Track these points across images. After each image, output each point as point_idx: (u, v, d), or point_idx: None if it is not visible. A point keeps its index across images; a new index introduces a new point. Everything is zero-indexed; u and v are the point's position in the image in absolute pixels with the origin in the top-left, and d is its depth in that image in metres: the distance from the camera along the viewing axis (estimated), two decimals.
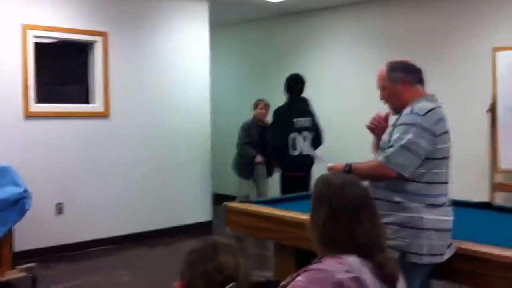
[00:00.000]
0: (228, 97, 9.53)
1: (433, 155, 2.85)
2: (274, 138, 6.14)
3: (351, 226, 2.00)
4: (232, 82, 9.67)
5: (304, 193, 4.99)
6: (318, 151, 5.73)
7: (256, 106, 7.24)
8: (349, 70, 8.04)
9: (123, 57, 6.83)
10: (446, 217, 2.89)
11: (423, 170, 2.86)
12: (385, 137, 3.06)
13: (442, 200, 2.91)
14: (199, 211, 7.66)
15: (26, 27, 6.02)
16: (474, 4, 6.71)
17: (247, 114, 8.38)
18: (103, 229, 6.70)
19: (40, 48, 6.25)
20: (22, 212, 5.12)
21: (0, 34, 5.92)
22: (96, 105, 6.63)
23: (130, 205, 6.93)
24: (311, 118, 5.98)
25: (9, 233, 5.18)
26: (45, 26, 6.17)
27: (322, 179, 2.17)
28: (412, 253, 2.82)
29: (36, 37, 6.14)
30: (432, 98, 3.00)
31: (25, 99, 6.04)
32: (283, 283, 2.04)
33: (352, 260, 1.95)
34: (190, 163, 7.54)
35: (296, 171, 5.89)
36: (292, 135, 5.86)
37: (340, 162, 3.23)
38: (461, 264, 2.94)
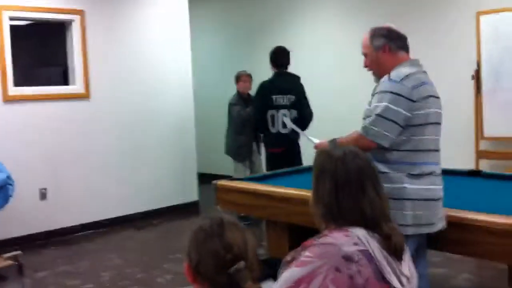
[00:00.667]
0: (209, 71, 9.40)
1: (412, 121, 2.79)
2: (254, 113, 6.06)
3: (356, 198, 1.96)
4: (213, 55, 9.54)
5: (294, 168, 4.95)
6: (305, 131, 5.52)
7: (238, 79, 6.88)
8: (328, 44, 7.94)
9: (101, 35, 6.67)
10: (431, 186, 2.83)
11: (403, 138, 2.81)
12: (366, 107, 3.00)
13: (427, 168, 2.84)
14: (185, 191, 7.58)
15: (1, 8, 5.83)
16: None
17: (229, 88, 8.28)
18: (88, 213, 6.60)
19: (16, 30, 6.07)
20: (5, 198, 5.01)
21: None
22: (76, 87, 6.49)
23: (114, 188, 6.83)
24: (295, 96, 5.81)
25: None
26: (21, 6, 5.99)
27: (323, 153, 2.11)
28: (398, 224, 2.78)
29: (12, 18, 5.96)
30: (414, 63, 2.94)
31: (3, 83, 5.89)
32: (287, 258, 1.98)
33: (359, 232, 1.90)
34: (175, 142, 7.44)
35: (276, 147, 5.82)
36: (270, 112, 5.77)
37: (325, 139, 3.20)
38: (452, 233, 2.91)
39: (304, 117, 5.86)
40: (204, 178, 8.41)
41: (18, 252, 5.30)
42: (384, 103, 2.77)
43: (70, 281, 4.96)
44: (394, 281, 1.88)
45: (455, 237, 2.94)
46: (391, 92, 2.77)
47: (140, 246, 6.00)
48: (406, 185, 2.77)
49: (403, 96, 2.76)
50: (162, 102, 7.27)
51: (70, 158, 6.45)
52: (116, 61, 6.82)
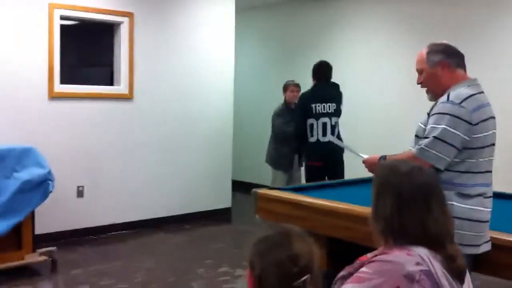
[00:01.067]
0: (251, 82, 9.41)
1: (469, 144, 2.74)
2: (295, 125, 6.04)
3: (421, 216, 1.87)
4: (254, 67, 9.53)
5: (336, 180, 4.89)
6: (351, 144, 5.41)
7: (286, 88, 6.73)
8: (379, 57, 7.87)
9: (148, 38, 6.72)
10: (480, 207, 2.76)
11: (457, 160, 2.76)
12: (420, 125, 2.94)
13: (478, 190, 2.77)
14: (218, 198, 7.57)
15: (53, 6, 5.91)
16: None
17: (269, 98, 8.26)
18: (122, 214, 6.63)
19: (65, 29, 6.15)
20: (45, 194, 5.06)
21: (26, 12, 5.81)
22: (120, 87, 6.54)
23: (150, 190, 6.85)
24: (336, 104, 5.79)
25: (31, 215, 5.12)
26: (72, 5, 6.06)
27: (387, 167, 2.03)
28: None
29: (62, 16, 6.04)
30: (472, 83, 2.86)
31: (50, 80, 5.95)
32: (342, 273, 1.93)
33: (422, 252, 1.83)
34: (212, 148, 7.44)
35: (315, 160, 5.77)
36: (309, 121, 5.74)
37: (374, 154, 3.14)
38: (501, 257, 2.83)
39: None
40: (238, 186, 8.42)
41: (53, 248, 5.36)
42: (443, 126, 2.71)
43: (103, 280, 4.95)
44: None
45: (504, 261, 2.86)
46: (450, 115, 2.71)
47: (172, 250, 5.99)
48: (454, 202, 2.71)
49: (462, 119, 2.70)
50: (203, 107, 7.29)
51: (108, 158, 6.49)
52: (161, 65, 6.86)
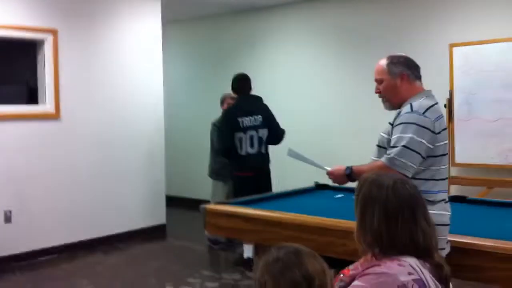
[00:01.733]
0: (180, 95, 9.27)
1: (432, 152, 2.84)
2: (222, 140, 5.99)
3: (409, 227, 1.92)
4: (184, 80, 9.40)
5: (282, 192, 4.89)
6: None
7: (223, 101, 6.68)
8: (301, 68, 8.00)
9: (73, 55, 6.49)
10: (443, 212, 2.89)
11: (422, 168, 2.85)
12: (383, 135, 3.01)
13: (441, 196, 2.90)
14: (152, 215, 7.40)
15: None
16: (430, 0, 6.80)
17: (200, 113, 8.21)
18: (54, 237, 6.34)
19: None
20: None
21: None
22: (46, 106, 6.27)
23: (81, 211, 6.60)
24: (261, 116, 5.79)
25: None
26: None
27: (369, 180, 2.04)
28: None
29: None
30: (429, 94, 2.99)
31: None
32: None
33: (412, 262, 1.87)
34: (144, 165, 7.28)
35: (245, 171, 5.77)
36: (238, 135, 5.73)
37: (338, 166, 3.16)
38: (455, 258, 2.92)
39: (276, 135, 5.86)
40: (174, 201, 8.29)
41: None
42: (410, 135, 2.78)
43: None
44: None
45: (458, 262, 2.95)
46: (416, 124, 2.79)
47: (110, 271, 5.79)
48: None
49: (427, 128, 2.80)
50: (133, 124, 7.11)
51: (36, 180, 6.20)
52: (87, 82, 6.65)
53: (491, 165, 6.17)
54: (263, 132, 5.77)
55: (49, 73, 6.25)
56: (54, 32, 6.26)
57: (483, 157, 6.19)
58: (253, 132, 5.72)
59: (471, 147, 6.19)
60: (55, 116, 6.31)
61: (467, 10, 6.54)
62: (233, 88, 5.99)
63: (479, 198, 4.83)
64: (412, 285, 1.80)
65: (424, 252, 1.91)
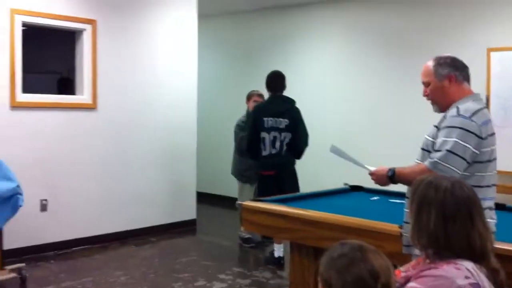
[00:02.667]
0: (210, 90, 9.28)
1: (478, 158, 2.77)
2: (247, 137, 6.00)
3: (466, 230, 1.90)
4: (214, 75, 9.43)
5: (315, 192, 4.88)
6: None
7: (249, 98, 6.61)
8: (331, 67, 7.98)
9: (110, 46, 6.55)
10: (489, 220, 2.81)
11: (467, 173, 2.78)
12: (428, 138, 2.96)
13: (486, 203, 2.80)
14: (183, 209, 7.44)
15: (14, 12, 5.69)
16: (468, 3, 6.72)
17: (233, 109, 8.20)
18: (87, 227, 6.42)
19: (25, 35, 5.92)
20: (15, 208, 4.85)
21: None
22: (83, 97, 6.34)
23: (114, 203, 6.67)
24: (288, 120, 5.75)
25: None
26: (34, 12, 5.85)
27: (425, 182, 2.02)
28: None
29: (24, 23, 5.82)
30: (477, 98, 2.91)
31: (12, 89, 5.72)
32: None
33: (469, 266, 1.86)
34: (176, 159, 7.32)
35: (266, 170, 5.78)
36: (262, 135, 5.74)
37: (381, 166, 3.14)
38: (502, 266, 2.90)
39: (298, 142, 5.83)
40: (202, 197, 8.33)
41: (22, 264, 5.15)
42: (454, 139, 2.72)
43: None
44: None
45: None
46: (461, 128, 2.73)
47: (143, 263, 5.83)
48: None
49: (472, 133, 2.73)
50: (166, 117, 7.17)
51: (72, 170, 6.28)
52: (124, 74, 6.71)
53: None
54: (286, 135, 5.74)
55: (87, 64, 6.32)
56: (93, 23, 6.33)
57: None
58: (276, 134, 5.73)
59: (506, 154, 6.10)
60: (92, 106, 6.38)
61: (506, 15, 6.46)
62: (266, 85, 6.00)
63: None
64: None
65: (480, 255, 1.89)
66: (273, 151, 5.73)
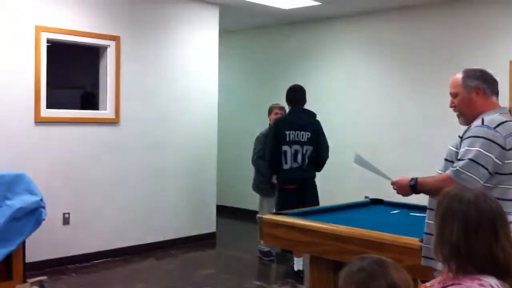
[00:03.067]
0: (231, 105, 9.35)
1: (501, 169, 2.75)
2: (267, 151, 6.02)
3: (489, 243, 1.85)
4: (235, 90, 9.50)
5: (340, 204, 4.88)
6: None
7: (270, 111, 6.63)
8: (356, 81, 7.98)
9: (134, 61, 6.64)
10: None
11: (489, 185, 2.74)
12: (451, 149, 2.95)
13: (510, 218, 2.79)
14: (203, 223, 7.48)
15: (39, 29, 5.80)
16: (491, 15, 6.70)
17: (252, 123, 8.25)
18: (109, 240, 6.48)
19: (49, 51, 6.03)
20: (38, 222, 4.91)
21: (13, 34, 5.68)
22: (106, 112, 6.43)
23: (135, 215, 6.73)
24: (310, 133, 5.76)
25: (22, 244, 4.95)
26: (59, 29, 5.95)
27: (449, 194, 1.99)
28: None
29: (49, 40, 5.94)
30: (505, 111, 2.90)
31: (37, 104, 5.82)
32: None
33: (493, 282, 1.82)
34: (196, 172, 7.37)
35: (288, 184, 5.78)
36: (283, 148, 5.75)
37: (403, 176, 3.13)
38: None
39: (320, 154, 5.84)
40: (221, 210, 8.35)
41: (44, 277, 5.21)
42: (476, 148, 2.72)
43: None
44: None
45: None
46: (485, 138, 2.73)
47: (164, 276, 5.87)
48: None
49: (496, 143, 2.72)
50: (188, 130, 7.23)
51: (94, 183, 6.35)
52: (146, 89, 6.79)
53: None
54: (308, 148, 5.76)
55: (111, 79, 6.41)
56: (117, 39, 6.43)
57: None
58: (297, 147, 5.73)
59: None
60: (115, 120, 6.46)
61: None
62: (286, 98, 6.02)
63: None
64: None
65: (503, 270, 1.85)
66: (295, 165, 5.73)
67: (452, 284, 1.86)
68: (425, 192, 2.95)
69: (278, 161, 5.79)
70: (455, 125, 3.19)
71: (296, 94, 5.97)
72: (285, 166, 5.77)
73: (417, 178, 2.99)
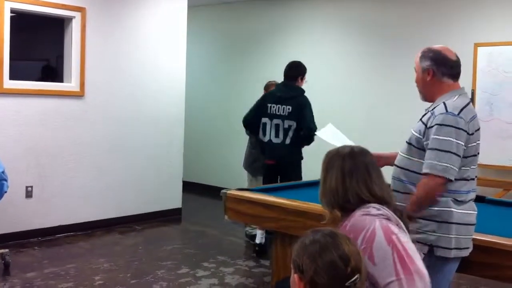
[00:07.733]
0: (201, 80, 9.29)
1: (465, 153, 2.79)
2: (246, 115, 5.98)
3: (364, 180, 2.31)
4: (205, 65, 9.44)
5: (306, 181, 4.91)
6: None
7: (266, 89, 6.51)
8: (325, 58, 8.00)
9: (99, 34, 6.54)
10: (472, 211, 2.86)
11: None
12: (413, 133, 2.91)
13: (470, 196, 2.87)
14: (169, 198, 7.48)
15: None
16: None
17: (220, 99, 8.23)
18: (72, 214, 6.44)
19: (13, 22, 5.90)
20: (0, 194, 4.84)
21: None
22: (71, 84, 6.34)
23: (99, 190, 6.69)
24: (291, 107, 5.62)
25: None
26: None
27: (330, 153, 2.46)
28: (441, 247, 2.77)
29: (13, 10, 5.80)
30: (462, 92, 2.91)
31: (0, 75, 5.70)
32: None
33: (376, 205, 2.26)
34: (163, 148, 7.35)
35: (268, 159, 5.77)
36: (263, 120, 5.75)
37: None
38: (481, 257, 2.95)
39: (304, 126, 5.62)
40: (187, 186, 8.36)
41: (5, 250, 5.16)
42: (447, 138, 2.72)
43: (61, 284, 4.80)
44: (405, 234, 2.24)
45: (478, 260, 2.97)
46: (452, 126, 2.72)
47: (127, 251, 5.87)
48: (452, 209, 2.76)
49: (462, 129, 2.73)
50: (154, 106, 7.19)
51: (57, 157, 6.28)
52: (112, 61, 6.71)
53: (509, 167, 6.18)
54: (290, 124, 5.63)
55: (76, 51, 6.31)
56: (83, 10, 6.32)
57: (502, 159, 6.21)
58: (278, 121, 5.67)
59: (490, 148, 6.18)
60: (79, 93, 6.37)
61: (493, 10, 6.52)
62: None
63: (498, 198, 4.84)
64: (386, 213, 2.23)
65: (382, 201, 2.30)
66: (276, 140, 5.67)
67: (343, 223, 2.27)
68: (421, 208, 2.80)
69: (255, 129, 5.84)
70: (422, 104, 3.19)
71: (287, 70, 5.87)
72: (264, 139, 5.75)
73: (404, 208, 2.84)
